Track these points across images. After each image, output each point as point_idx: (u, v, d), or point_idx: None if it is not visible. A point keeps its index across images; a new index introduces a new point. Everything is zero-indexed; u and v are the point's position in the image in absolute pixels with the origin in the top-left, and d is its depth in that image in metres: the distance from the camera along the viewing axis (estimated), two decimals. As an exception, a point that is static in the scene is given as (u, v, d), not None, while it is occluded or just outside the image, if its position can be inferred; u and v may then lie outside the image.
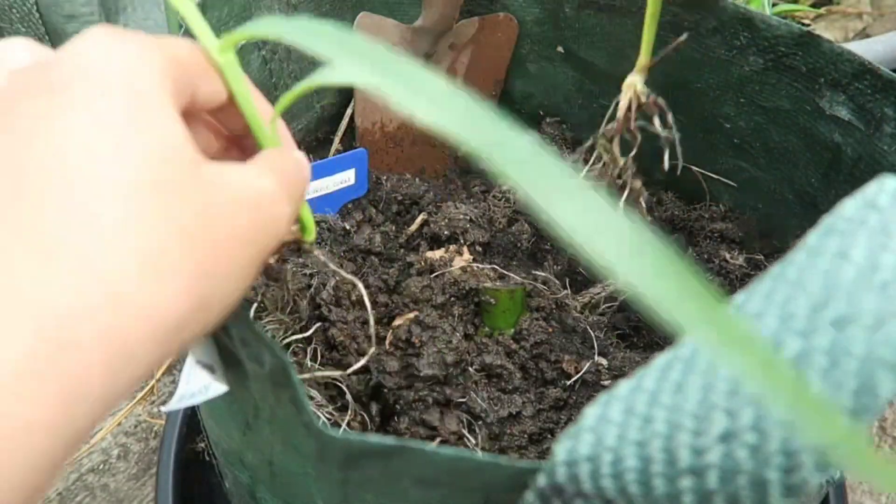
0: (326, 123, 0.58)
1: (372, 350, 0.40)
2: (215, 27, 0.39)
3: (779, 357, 0.16)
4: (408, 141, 0.60)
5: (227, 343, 0.28)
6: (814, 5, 0.85)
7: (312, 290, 0.45)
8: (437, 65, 0.57)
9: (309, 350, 0.45)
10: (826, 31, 0.80)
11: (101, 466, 0.67)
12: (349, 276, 0.38)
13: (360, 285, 0.37)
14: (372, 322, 0.39)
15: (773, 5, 0.66)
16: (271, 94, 0.49)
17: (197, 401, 0.25)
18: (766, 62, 0.47)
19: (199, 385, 0.25)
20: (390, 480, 0.24)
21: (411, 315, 0.45)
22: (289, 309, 0.46)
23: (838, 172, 0.46)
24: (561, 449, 0.21)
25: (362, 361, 0.39)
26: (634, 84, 0.43)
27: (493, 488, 0.24)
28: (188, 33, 0.39)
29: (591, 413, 0.21)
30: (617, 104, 0.45)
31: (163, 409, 0.26)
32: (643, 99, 0.43)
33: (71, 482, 0.65)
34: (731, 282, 0.47)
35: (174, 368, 0.72)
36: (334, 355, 0.45)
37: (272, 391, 0.26)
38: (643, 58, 0.43)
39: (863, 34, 0.80)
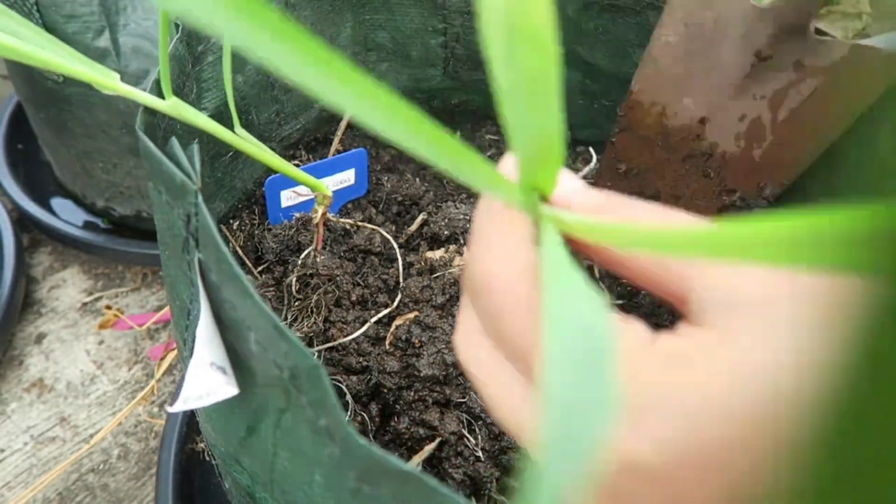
0: (326, 123, 0.58)
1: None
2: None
3: None
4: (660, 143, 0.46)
5: (236, 347, 0.28)
6: (813, 5, 0.85)
7: (315, 290, 0.45)
8: (764, 80, 0.42)
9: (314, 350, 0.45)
10: (826, 30, 0.80)
11: (101, 466, 0.67)
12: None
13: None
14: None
15: (773, 5, 0.66)
16: (269, 93, 0.49)
17: (204, 403, 0.25)
18: (767, 62, 0.46)
19: (208, 387, 0.25)
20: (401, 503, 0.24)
21: (411, 315, 0.45)
22: (290, 311, 0.46)
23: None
24: None
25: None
26: None
27: None
28: (185, 32, 0.39)
29: None
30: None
31: (168, 409, 0.26)
32: None
33: (71, 482, 0.65)
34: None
35: (174, 368, 0.72)
36: (334, 355, 0.45)
37: (285, 396, 0.26)
38: None
39: (863, 34, 0.80)
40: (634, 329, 0.19)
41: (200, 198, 0.27)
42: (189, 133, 0.40)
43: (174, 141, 0.30)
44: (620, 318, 0.19)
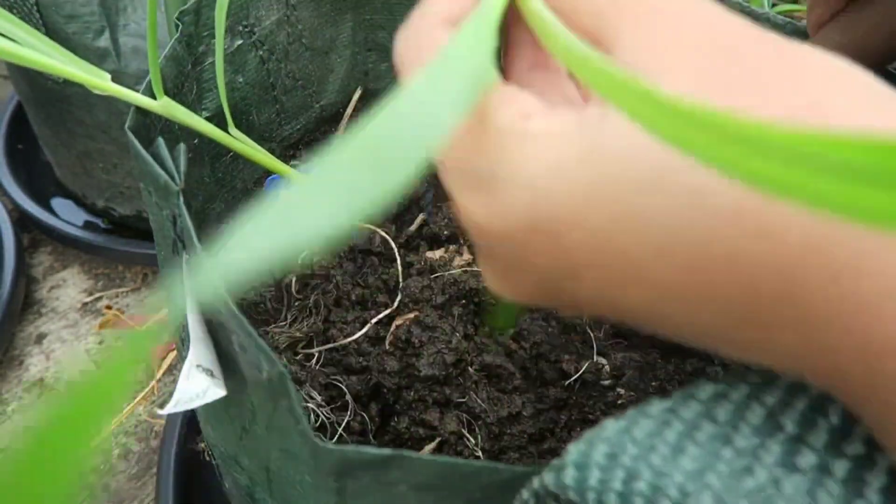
0: (326, 123, 0.58)
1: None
2: (211, 25, 0.39)
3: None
4: None
5: (226, 348, 0.28)
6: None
7: (314, 290, 0.45)
8: None
9: (312, 351, 0.45)
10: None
11: (101, 466, 0.67)
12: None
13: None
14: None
15: (773, 6, 0.66)
16: (269, 93, 0.49)
17: (194, 404, 0.25)
18: (768, 61, 0.46)
19: (198, 389, 0.25)
20: (387, 487, 0.24)
21: (411, 315, 0.45)
22: (290, 311, 0.46)
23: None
24: (548, 476, 0.20)
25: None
26: None
27: (489, 491, 0.24)
28: (185, 33, 0.39)
29: (574, 449, 0.20)
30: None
31: (160, 411, 0.26)
32: None
33: (71, 482, 0.65)
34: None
35: (174, 368, 0.72)
36: (335, 355, 0.45)
37: (270, 398, 0.26)
38: None
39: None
40: (520, 102, 0.20)
41: (182, 199, 0.27)
42: (188, 134, 0.40)
43: (160, 142, 0.30)
44: (509, 92, 0.20)
